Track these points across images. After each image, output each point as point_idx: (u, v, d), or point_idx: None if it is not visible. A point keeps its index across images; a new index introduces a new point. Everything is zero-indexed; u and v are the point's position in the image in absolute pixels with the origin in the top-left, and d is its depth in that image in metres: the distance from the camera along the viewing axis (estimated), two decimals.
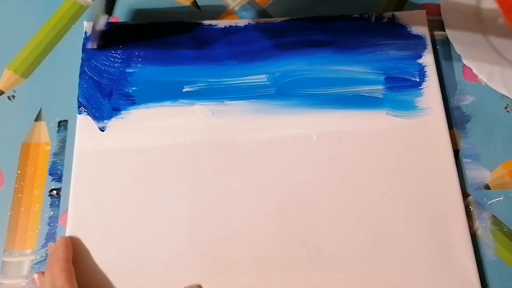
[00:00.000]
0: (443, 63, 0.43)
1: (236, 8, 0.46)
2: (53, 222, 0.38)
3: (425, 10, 0.44)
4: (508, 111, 0.42)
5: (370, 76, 0.42)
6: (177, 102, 0.41)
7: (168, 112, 0.41)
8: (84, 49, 0.44)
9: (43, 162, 0.40)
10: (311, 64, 0.42)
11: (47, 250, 0.38)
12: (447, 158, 0.39)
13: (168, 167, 0.39)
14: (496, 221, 0.38)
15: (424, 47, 0.43)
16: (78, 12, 0.46)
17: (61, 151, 0.41)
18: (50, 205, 0.39)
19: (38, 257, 0.38)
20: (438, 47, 0.44)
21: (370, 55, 0.43)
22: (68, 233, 0.37)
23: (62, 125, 0.42)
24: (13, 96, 0.43)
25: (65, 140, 0.41)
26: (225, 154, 0.39)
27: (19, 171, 0.40)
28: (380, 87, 0.41)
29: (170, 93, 0.42)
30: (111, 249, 0.37)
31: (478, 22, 0.44)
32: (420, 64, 0.42)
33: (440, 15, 0.45)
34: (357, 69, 0.42)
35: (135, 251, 0.37)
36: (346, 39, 0.43)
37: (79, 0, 0.47)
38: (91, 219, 0.38)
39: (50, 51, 0.45)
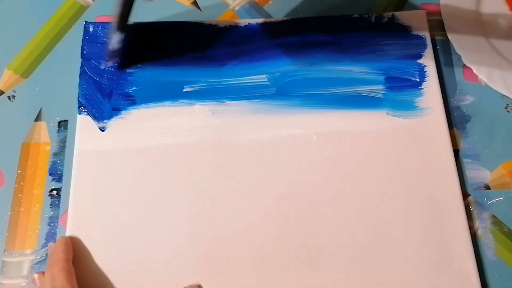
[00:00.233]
0: (443, 63, 0.43)
1: (236, 8, 0.46)
2: (53, 222, 0.38)
3: (425, 10, 0.44)
4: (508, 111, 0.42)
5: (370, 76, 0.42)
6: (177, 102, 0.41)
7: (168, 112, 0.41)
8: (84, 49, 0.44)
9: (43, 162, 0.40)
10: (311, 64, 0.42)
11: (47, 250, 0.38)
12: (447, 158, 0.39)
13: (168, 167, 0.39)
14: (496, 221, 0.38)
15: (424, 47, 0.43)
16: (78, 12, 0.46)
17: (61, 151, 0.41)
18: (50, 205, 0.39)
19: (38, 257, 0.38)
20: (438, 47, 0.44)
21: (370, 55, 0.43)
22: (68, 233, 0.37)
23: (62, 125, 0.42)
24: (13, 96, 0.43)
25: (65, 140, 0.41)
26: (225, 154, 0.39)
27: (19, 171, 0.40)
28: (380, 87, 0.41)
29: (170, 93, 0.42)
30: (111, 249, 0.37)
31: (478, 22, 0.44)
32: (420, 64, 0.42)
33: (440, 15, 0.45)
34: (357, 69, 0.42)
35: (135, 251, 0.37)
36: (346, 39, 0.43)
37: (79, 0, 0.47)
38: (91, 219, 0.38)
39: (50, 51, 0.45)
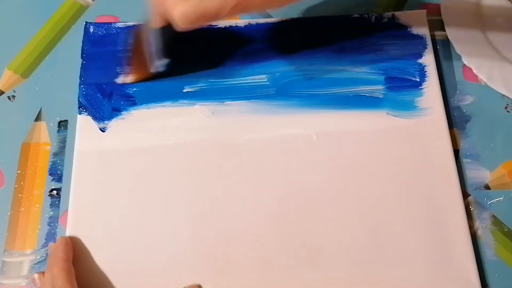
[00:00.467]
0: (443, 63, 0.43)
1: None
2: (53, 222, 0.38)
3: (425, 10, 0.44)
4: (508, 111, 0.42)
5: (370, 76, 0.42)
6: (178, 102, 0.41)
7: (169, 112, 0.41)
8: (84, 49, 0.44)
9: (43, 162, 0.40)
10: (311, 64, 0.42)
11: (47, 250, 0.38)
12: (447, 158, 0.39)
13: (168, 167, 0.39)
14: (496, 221, 0.38)
15: (424, 47, 0.43)
16: (78, 12, 0.46)
17: (61, 151, 0.41)
18: (50, 205, 0.39)
19: (38, 257, 0.38)
20: (438, 47, 0.44)
21: (370, 55, 0.43)
22: (68, 233, 0.37)
23: (62, 125, 0.42)
24: (13, 96, 0.43)
25: (65, 140, 0.41)
26: (225, 154, 0.39)
27: (19, 171, 0.40)
28: (380, 87, 0.41)
29: (171, 93, 0.42)
30: (111, 249, 0.37)
31: (478, 22, 0.44)
32: (420, 64, 0.42)
33: (440, 15, 0.45)
34: (357, 69, 0.42)
35: (135, 251, 0.37)
36: (346, 39, 0.43)
37: (79, 0, 0.47)
38: (91, 219, 0.38)
39: (50, 51, 0.45)
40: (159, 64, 0.40)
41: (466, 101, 0.42)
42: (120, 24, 0.45)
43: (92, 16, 0.46)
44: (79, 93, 0.42)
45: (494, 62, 0.42)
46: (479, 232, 0.38)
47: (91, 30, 0.44)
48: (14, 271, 0.37)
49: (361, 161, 0.39)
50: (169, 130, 0.40)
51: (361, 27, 0.44)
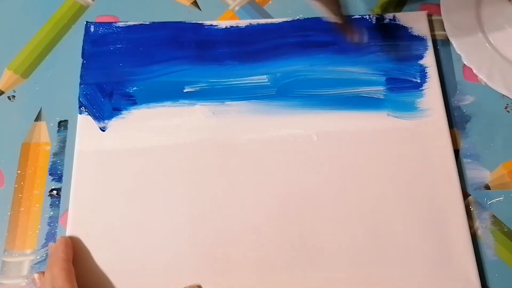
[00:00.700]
0: (443, 63, 0.43)
1: (236, 8, 0.46)
2: (53, 222, 0.38)
3: (426, 11, 0.44)
4: (508, 111, 0.42)
5: (371, 77, 0.42)
6: (178, 102, 0.41)
7: (169, 112, 0.41)
8: (84, 49, 0.44)
9: (43, 162, 0.40)
10: (312, 65, 0.42)
11: (47, 250, 0.38)
12: (447, 159, 0.39)
13: (168, 167, 0.39)
14: (496, 221, 0.38)
15: (425, 48, 0.43)
16: (78, 12, 0.46)
17: (61, 151, 0.41)
18: (50, 205, 0.39)
19: (38, 257, 0.38)
20: (438, 47, 0.44)
21: (371, 56, 0.43)
22: (68, 233, 0.37)
23: (62, 125, 0.42)
24: (13, 96, 0.43)
25: (65, 140, 0.41)
26: (225, 154, 0.39)
27: (19, 171, 0.40)
28: (381, 88, 0.42)
29: (171, 93, 0.42)
30: (111, 249, 0.37)
31: (478, 22, 0.44)
32: (421, 65, 0.42)
33: (440, 15, 0.45)
34: (357, 70, 0.42)
35: (135, 251, 0.37)
36: (346, 40, 0.43)
37: (79, 0, 0.47)
38: (91, 219, 0.38)
39: (50, 51, 0.45)
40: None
41: (466, 101, 0.42)
42: (120, 24, 0.45)
43: (92, 16, 0.46)
44: (79, 93, 0.42)
45: (494, 62, 0.42)
46: (479, 232, 0.38)
47: (92, 29, 0.44)
48: (14, 271, 0.37)
49: (361, 161, 0.39)
50: (169, 130, 0.40)
51: (362, 28, 0.44)
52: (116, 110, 0.41)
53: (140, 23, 0.45)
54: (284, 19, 0.44)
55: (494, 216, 0.38)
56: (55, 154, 0.41)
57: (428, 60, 0.42)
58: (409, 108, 0.41)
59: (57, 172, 0.40)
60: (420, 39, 0.43)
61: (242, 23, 0.44)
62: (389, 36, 0.43)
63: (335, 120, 0.40)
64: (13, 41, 0.45)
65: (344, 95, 0.41)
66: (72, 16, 0.46)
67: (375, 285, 0.36)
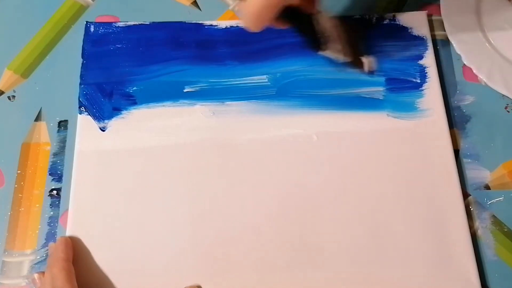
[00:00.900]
0: (443, 63, 0.43)
1: (237, 8, 0.46)
2: (53, 222, 0.38)
3: (426, 11, 0.44)
4: (508, 111, 0.42)
5: (371, 78, 0.42)
6: (178, 102, 0.41)
7: (169, 112, 0.41)
8: (84, 49, 0.44)
9: (43, 162, 0.40)
10: (312, 65, 0.42)
11: (47, 250, 0.38)
12: (447, 159, 0.39)
13: (168, 167, 0.39)
14: (496, 221, 0.38)
15: (425, 48, 0.43)
16: (78, 12, 0.46)
17: (61, 151, 0.41)
18: (50, 205, 0.39)
19: (38, 257, 0.38)
20: (438, 47, 0.44)
21: (371, 56, 0.42)
22: (68, 233, 0.37)
23: (62, 125, 0.42)
24: (13, 96, 0.43)
25: (65, 140, 0.41)
26: (225, 154, 0.39)
27: (19, 171, 0.40)
28: (381, 88, 0.42)
29: (171, 93, 0.42)
30: (111, 249, 0.37)
31: (478, 22, 0.44)
32: (421, 66, 0.42)
33: (440, 15, 0.45)
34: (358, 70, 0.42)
35: (135, 251, 0.37)
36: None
37: (79, 0, 0.47)
38: (91, 219, 0.38)
39: (50, 51, 0.45)
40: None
41: (466, 101, 0.42)
42: (120, 24, 0.45)
43: (92, 16, 0.46)
44: (79, 93, 0.42)
45: (494, 62, 0.42)
46: (479, 232, 0.38)
47: (92, 29, 0.44)
48: (14, 271, 0.37)
49: (361, 161, 0.39)
50: (169, 130, 0.40)
51: (362, 28, 0.44)
52: (116, 110, 0.41)
53: (140, 23, 0.45)
54: None
55: (494, 216, 0.38)
56: (55, 154, 0.41)
57: (428, 60, 0.42)
58: (409, 108, 0.41)
59: (57, 172, 0.40)
60: (420, 39, 0.43)
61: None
62: (389, 36, 0.43)
63: (335, 120, 0.40)
64: (13, 41, 0.45)
65: (344, 95, 0.41)
66: (72, 16, 0.46)
67: (375, 285, 0.36)
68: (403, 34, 0.43)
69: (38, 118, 0.42)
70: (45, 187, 0.40)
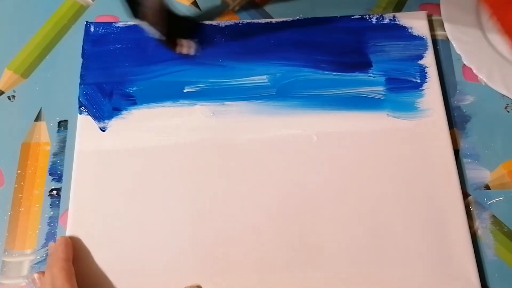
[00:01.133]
0: (443, 63, 0.43)
1: (236, 8, 0.46)
2: (53, 222, 0.38)
3: (426, 11, 0.44)
4: (508, 111, 0.42)
5: (371, 78, 0.42)
6: (178, 102, 0.41)
7: (169, 112, 0.41)
8: (84, 49, 0.44)
9: (43, 162, 0.40)
10: (312, 65, 0.42)
11: (47, 250, 0.38)
12: (447, 159, 0.39)
13: (168, 167, 0.39)
14: (496, 221, 0.38)
15: (425, 48, 0.43)
16: (78, 12, 0.46)
17: (61, 151, 0.41)
18: (50, 205, 0.39)
19: (38, 257, 0.38)
20: (438, 47, 0.44)
21: (371, 56, 0.43)
22: (68, 233, 0.37)
23: (62, 125, 0.42)
24: (13, 96, 0.43)
25: (65, 140, 0.41)
26: (225, 155, 0.39)
27: (19, 171, 0.40)
28: (381, 88, 0.42)
29: (171, 93, 0.42)
30: (111, 249, 0.37)
31: (478, 22, 0.44)
32: (421, 65, 0.42)
33: (440, 15, 0.45)
34: (358, 70, 0.42)
35: (135, 251, 0.37)
36: (346, 40, 0.43)
37: (79, 0, 0.47)
38: (91, 219, 0.38)
39: (50, 51, 0.45)
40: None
41: (466, 101, 0.42)
42: (120, 24, 0.45)
43: (92, 16, 0.46)
44: (79, 93, 0.42)
45: (494, 62, 0.42)
46: (479, 232, 0.38)
47: (92, 29, 0.44)
48: (14, 271, 0.37)
49: (361, 161, 0.39)
50: (169, 130, 0.40)
51: (362, 28, 0.44)
52: (116, 110, 0.41)
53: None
54: (284, 19, 0.44)
55: (494, 216, 0.38)
56: (55, 154, 0.41)
57: (428, 60, 0.42)
58: (409, 108, 0.41)
59: (57, 172, 0.40)
60: (420, 39, 0.43)
61: (241, 22, 0.44)
62: (389, 36, 0.43)
63: (335, 120, 0.40)
64: (13, 41, 0.45)
65: (344, 95, 0.41)
66: (72, 16, 0.46)
67: (375, 285, 0.36)
68: (403, 34, 0.43)
69: (38, 118, 0.42)
70: (45, 187, 0.40)
